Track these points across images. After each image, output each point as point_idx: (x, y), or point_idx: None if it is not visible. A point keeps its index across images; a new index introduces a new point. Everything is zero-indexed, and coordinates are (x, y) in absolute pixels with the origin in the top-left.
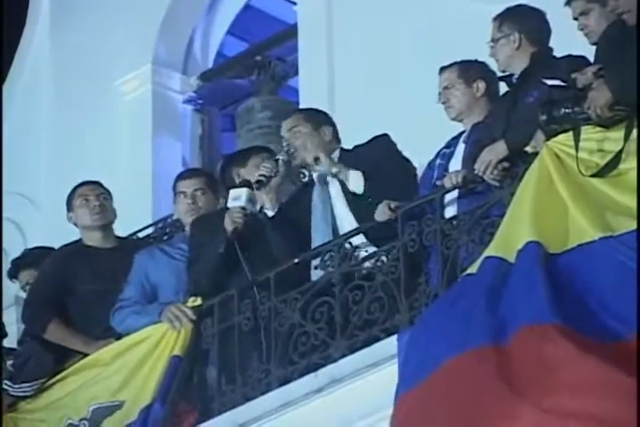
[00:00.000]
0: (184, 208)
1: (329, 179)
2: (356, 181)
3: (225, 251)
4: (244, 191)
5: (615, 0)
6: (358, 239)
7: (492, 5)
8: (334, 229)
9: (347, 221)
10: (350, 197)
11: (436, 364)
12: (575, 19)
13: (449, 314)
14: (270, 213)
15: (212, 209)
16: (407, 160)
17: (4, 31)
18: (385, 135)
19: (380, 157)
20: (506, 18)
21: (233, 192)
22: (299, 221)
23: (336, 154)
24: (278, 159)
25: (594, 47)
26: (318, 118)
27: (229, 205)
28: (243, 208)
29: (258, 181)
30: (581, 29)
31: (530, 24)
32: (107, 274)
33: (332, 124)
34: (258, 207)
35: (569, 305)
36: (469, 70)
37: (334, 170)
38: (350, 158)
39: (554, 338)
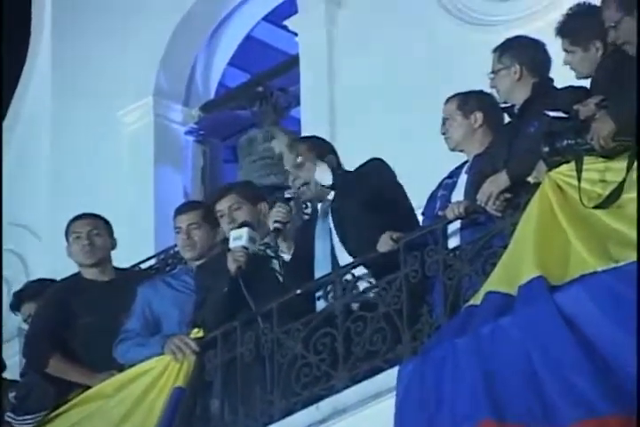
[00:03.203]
0: (180, 244)
1: (329, 210)
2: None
3: (229, 290)
4: (244, 231)
5: (615, 31)
6: (361, 270)
7: (492, 35)
8: (334, 262)
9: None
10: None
11: (465, 422)
12: (564, 51)
13: (459, 353)
14: (287, 258)
15: (208, 242)
16: (402, 187)
17: (6, 63)
18: (379, 160)
19: (380, 184)
20: (506, 49)
21: (234, 233)
22: (307, 255)
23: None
24: (290, 200)
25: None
26: (321, 148)
27: (231, 245)
28: (245, 248)
29: (275, 229)
30: (567, 64)
31: (530, 55)
32: (106, 307)
33: (334, 152)
34: (270, 250)
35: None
36: (469, 102)
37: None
38: (345, 182)
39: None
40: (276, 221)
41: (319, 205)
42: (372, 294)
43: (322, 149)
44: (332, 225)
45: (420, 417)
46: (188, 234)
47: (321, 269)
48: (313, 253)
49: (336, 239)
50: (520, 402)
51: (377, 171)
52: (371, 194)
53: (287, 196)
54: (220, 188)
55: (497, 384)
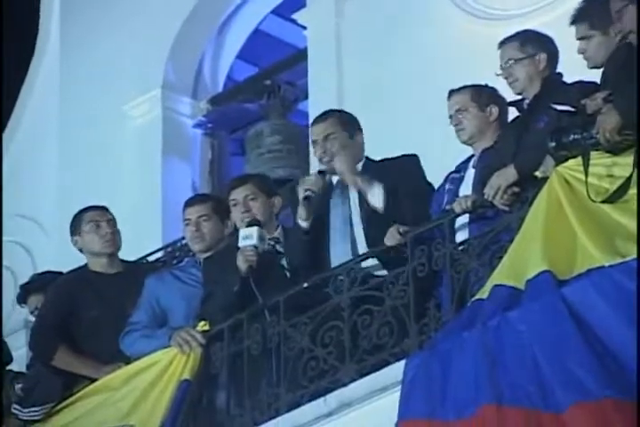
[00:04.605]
0: (189, 236)
1: (350, 193)
2: (376, 196)
3: (240, 289)
4: (254, 230)
5: (620, 22)
6: (368, 262)
7: (497, 29)
8: (353, 249)
9: (363, 242)
10: (369, 215)
11: (467, 408)
12: (579, 38)
13: (466, 345)
14: (304, 225)
15: (217, 235)
16: (431, 186)
17: (14, 56)
18: (414, 156)
19: (407, 176)
20: (528, 39)
21: (243, 231)
22: (320, 233)
23: (360, 164)
24: (323, 173)
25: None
26: (353, 125)
27: (240, 244)
28: (255, 246)
29: (306, 197)
30: (581, 53)
31: (549, 47)
32: (113, 299)
33: (361, 130)
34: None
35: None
36: (482, 94)
37: (358, 185)
38: (376, 170)
39: (608, 413)
40: (307, 189)
41: (334, 178)
42: (379, 288)
43: (353, 126)
44: (352, 211)
45: (424, 409)
46: (198, 226)
47: (339, 255)
48: (326, 230)
49: (355, 228)
50: (522, 390)
51: (414, 164)
52: (397, 185)
53: (320, 168)
54: (237, 177)
55: (501, 374)
